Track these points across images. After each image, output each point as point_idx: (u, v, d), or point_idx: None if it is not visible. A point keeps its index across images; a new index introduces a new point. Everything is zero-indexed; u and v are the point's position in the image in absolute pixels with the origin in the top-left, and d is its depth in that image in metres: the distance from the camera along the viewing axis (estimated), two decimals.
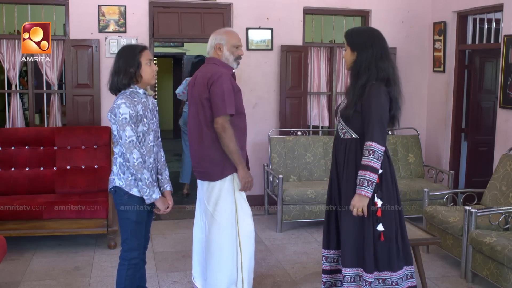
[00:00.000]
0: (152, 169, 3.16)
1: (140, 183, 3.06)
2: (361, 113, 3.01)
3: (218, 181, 3.43)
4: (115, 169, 3.15)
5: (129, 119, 2.99)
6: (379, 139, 2.95)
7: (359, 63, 3.05)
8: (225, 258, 3.47)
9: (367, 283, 3.05)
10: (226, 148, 3.34)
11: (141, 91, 3.13)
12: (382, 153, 2.96)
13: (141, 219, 3.18)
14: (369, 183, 2.94)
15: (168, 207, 3.25)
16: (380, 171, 3.02)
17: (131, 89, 3.10)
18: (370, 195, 2.96)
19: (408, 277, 3.16)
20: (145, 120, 3.08)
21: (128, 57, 3.07)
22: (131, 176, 3.08)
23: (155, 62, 10.94)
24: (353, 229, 3.07)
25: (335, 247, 3.27)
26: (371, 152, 2.93)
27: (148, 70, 3.11)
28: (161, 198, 3.18)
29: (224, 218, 3.45)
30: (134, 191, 3.11)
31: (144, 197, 3.09)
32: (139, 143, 3.06)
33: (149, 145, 3.13)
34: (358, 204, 2.97)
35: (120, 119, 2.99)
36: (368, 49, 3.03)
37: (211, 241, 3.49)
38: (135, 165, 3.01)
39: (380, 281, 3.10)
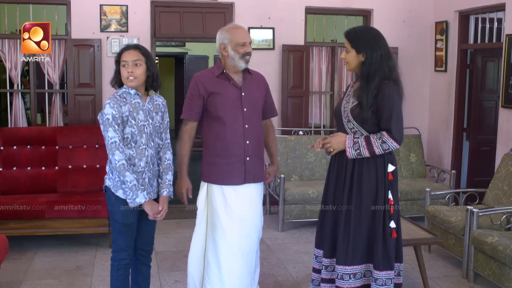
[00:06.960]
0: (144, 172, 3.05)
1: (123, 185, 2.98)
2: (376, 112, 2.98)
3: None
4: (107, 168, 3.10)
5: (111, 120, 2.92)
6: (400, 137, 2.98)
7: (370, 64, 2.98)
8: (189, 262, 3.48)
9: (374, 279, 3.06)
10: None
11: (132, 91, 3.04)
12: (391, 150, 2.99)
13: (128, 221, 3.08)
14: (358, 151, 2.98)
15: (159, 213, 3.08)
16: (393, 168, 3.05)
17: (123, 89, 3.05)
18: (349, 155, 3.00)
19: (396, 274, 3.16)
20: (133, 121, 2.99)
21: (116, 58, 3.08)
22: (118, 177, 3.00)
23: (156, 62, 10.92)
24: (364, 227, 3.05)
25: (326, 250, 3.23)
26: (383, 142, 2.95)
27: (122, 72, 3.02)
28: (149, 203, 3.02)
29: (197, 219, 3.44)
30: (120, 193, 3.02)
31: (127, 200, 2.98)
32: (127, 145, 2.99)
33: (140, 148, 3.03)
34: (335, 143, 3.03)
35: (104, 119, 2.95)
36: (377, 50, 2.98)
37: None
38: (117, 167, 2.93)
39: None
